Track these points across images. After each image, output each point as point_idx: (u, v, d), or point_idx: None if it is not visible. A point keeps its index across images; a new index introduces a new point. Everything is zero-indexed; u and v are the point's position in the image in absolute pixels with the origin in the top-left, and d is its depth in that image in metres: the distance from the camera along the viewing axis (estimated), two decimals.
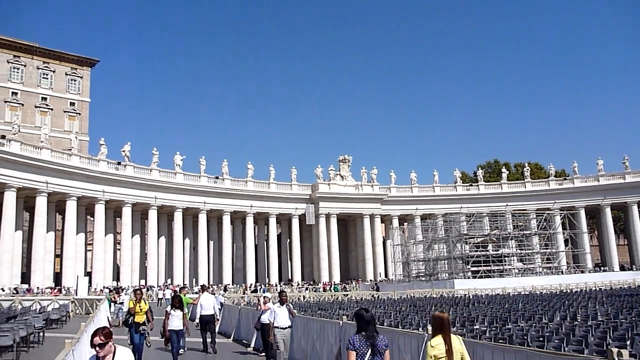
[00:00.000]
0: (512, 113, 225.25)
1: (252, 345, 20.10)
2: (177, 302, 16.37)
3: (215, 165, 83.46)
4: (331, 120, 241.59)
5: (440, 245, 69.82)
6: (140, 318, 15.86)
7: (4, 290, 51.57)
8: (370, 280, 75.63)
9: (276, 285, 70.11)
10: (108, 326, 6.19)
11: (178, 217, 72.58)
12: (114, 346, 6.32)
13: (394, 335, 11.30)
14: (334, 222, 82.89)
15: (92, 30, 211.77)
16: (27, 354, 18.74)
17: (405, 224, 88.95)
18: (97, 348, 6.12)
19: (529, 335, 14.57)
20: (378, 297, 44.00)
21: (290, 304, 16.22)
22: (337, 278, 79.25)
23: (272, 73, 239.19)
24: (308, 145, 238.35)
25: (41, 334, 22.00)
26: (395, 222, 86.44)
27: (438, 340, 7.23)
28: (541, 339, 14.30)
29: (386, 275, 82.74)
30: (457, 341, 7.37)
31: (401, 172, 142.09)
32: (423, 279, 66.41)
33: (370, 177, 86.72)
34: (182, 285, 62.00)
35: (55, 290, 55.21)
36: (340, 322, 13.46)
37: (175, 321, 16.01)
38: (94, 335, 6.23)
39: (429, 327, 10.18)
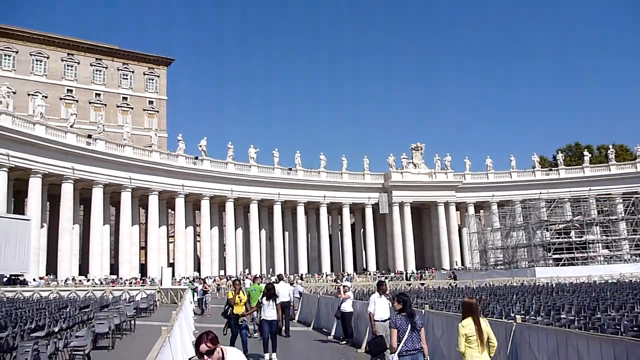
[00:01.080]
0: (593, 93, 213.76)
1: (333, 333, 20.28)
2: (269, 291, 15.41)
3: (288, 157, 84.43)
4: (402, 108, 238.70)
5: (519, 233, 67.44)
6: (239, 309, 15.66)
7: (89, 281, 54.80)
8: (446, 269, 74.45)
9: (348, 275, 70.27)
10: (213, 333, 5.22)
11: (254, 208, 74.31)
12: (222, 349, 5.50)
13: None
14: (407, 210, 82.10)
15: (167, 29, 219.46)
16: (120, 340, 19.76)
17: (482, 211, 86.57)
18: (205, 356, 5.23)
19: (622, 325, 13.83)
20: (456, 285, 43.20)
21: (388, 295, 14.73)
22: (412, 267, 78.58)
23: (342, 64, 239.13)
24: (379, 134, 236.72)
25: (132, 321, 23.15)
26: (471, 210, 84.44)
27: (468, 322, 8.30)
28: (636, 328, 13.54)
29: (462, 264, 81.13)
30: (484, 323, 8.41)
31: (476, 159, 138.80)
32: (502, 267, 64.60)
33: (444, 164, 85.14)
34: (256, 275, 63.73)
35: (139, 281, 57.99)
36: (423, 311, 13.38)
37: (268, 311, 15.23)
38: (198, 342, 5.34)
39: (518, 317, 9.91)
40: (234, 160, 73.92)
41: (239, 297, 15.77)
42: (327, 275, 72.83)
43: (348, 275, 66.91)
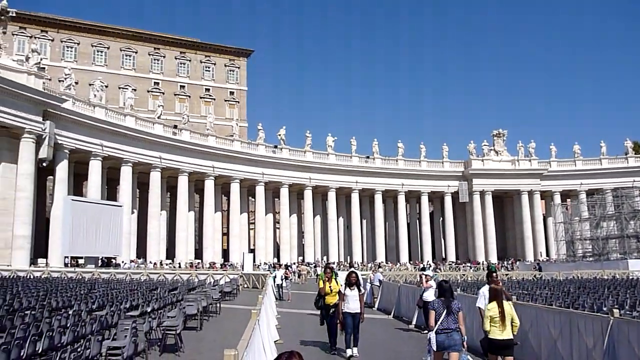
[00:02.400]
0: None
1: (414, 322, 20.14)
2: (353, 278, 13.96)
3: (366, 145, 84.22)
4: (482, 93, 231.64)
5: (610, 223, 63.85)
6: (332, 299, 14.46)
7: (164, 265, 57.33)
8: (530, 261, 71.86)
9: (427, 263, 69.29)
10: (297, 352, 3.93)
11: (331, 196, 74.85)
12: None
13: (572, 317, 10.63)
14: (489, 199, 79.77)
15: (246, 21, 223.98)
16: (208, 322, 20.58)
17: (568, 200, 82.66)
18: None
19: None
20: (541, 277, 41.64)
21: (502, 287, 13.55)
22: (493, 257, 76.42)
23: (422, 49, 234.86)
24: (459, 121, 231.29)
25: (218, 304, 24.06)
26: (557, 199, 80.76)
27: (493, 305, 9.91)
28: None
29: (547, 255, 77.97)
30: (508, 306, 9.93)
31: (562, 145, 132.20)
32: (591, 259, 61.48)
33: (527, 152, 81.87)
34: (327, 262, 64.33)
35: (216, 265, 59.94)
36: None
37: (352, 302, 13.76)
38: None
39: (615, 311, 9.44)
40: (312, 149, 74.66)
41: (330, 286, 14.56)
42: (407, 264, 72.37)
43: (431, 264, 66.11)
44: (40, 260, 47.12)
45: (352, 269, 19.71)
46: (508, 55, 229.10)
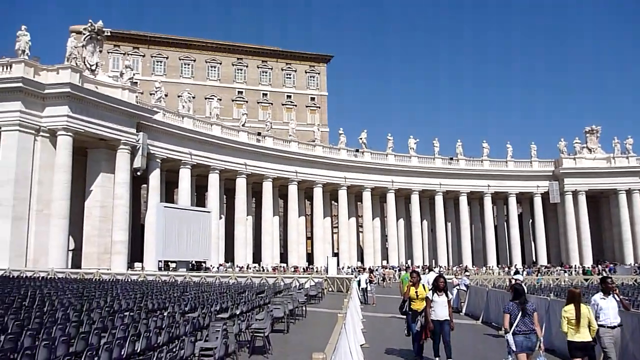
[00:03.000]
0: None
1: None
2: (441, 283, 13.23)
3: (449, 147, 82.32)
4: (570, 89, 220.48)
5: None
6: (418, 305, 13.63)
7: (258, 270, 58.60)
8: (631, 264, 67.50)
9: (515, 267, 66.74)
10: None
11: (414, 199, 73.91)
12: None
13: None
14: (582, 199, 75.63)
15: (326, 28, 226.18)
16: (294, 325, 20.88)
17: None
18: None
19: None
20: None
21: (618, 294, 12.23)
22: (588, 261, 72.38)
23: (509, 46, 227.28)
24: (546, 119, 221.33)
25: (304, 308, 24.35)
26: None
27: (570, 307, 10.20)
28: None
29: None
30: (585, 309, 10.13)
31: None
32: None
33: (624, 148, 76.91)
34: (407, 266, 63.41)
35: (298, 269, 60.49)
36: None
37: (440, 309, 12.94)
38: None
39: None
40: (394, 152, 74.13)
41: (416, 291, 13.77)
42: (495, 268, 70.14)
43: (525, 267, 63.74)
44: (137, 264, 49.77)
45: (440, 274, 19.08)
46: (600, 49, 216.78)
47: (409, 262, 70.59)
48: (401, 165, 73.53)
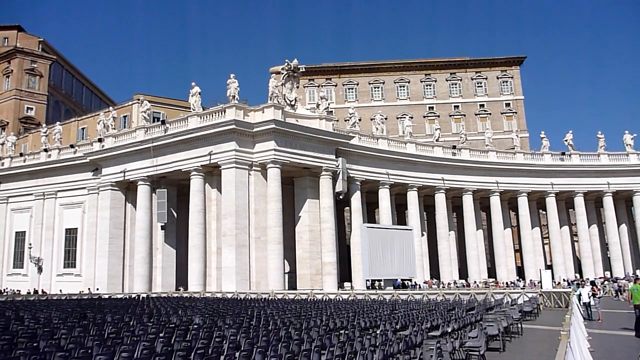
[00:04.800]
0: None
1: None
2: None
3: None
4: None
5: None
6: None
7: (465, 285, 56.66)
8: None
9: None
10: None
11: (638, 201, 65.73)
12: None
13: None
14: None
15: (512, 29, 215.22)
16: (510, 343, 19.82)
17: None
18: None
19: None
20: None
21: None
22: None
23: None
24: None
25: (519, 325, 23.01)
26: None
27: None
28: None
29: None
30: None
31: None
32: None
33: None
34: (636, 277, 55.72)
35: (500, 285, 56.89)
36: None
37: None
38: None
39: None
40: (607, 151, 67.00)
41: None
42: None
43: None
44: (346, 284, 51.87)
45: None
46: None
47: (638, 272, 62.62)
48: (617, 165, 66.07)
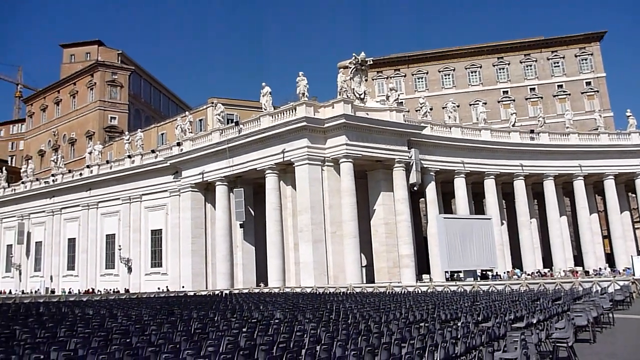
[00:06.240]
0: None
1: None
2: None
3: None
4: None
5: None
6: None
7: (550, 274, 54.39)
8: None
9: None
10: None
11: None
12: None
13: None
14: None
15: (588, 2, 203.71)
16: (600, 334, 18.94)
17: None
18: None
19: None
20: None
21: None
22: None
23: None
24: None
25: (610, 314, 21.92)
26: None
27: None
28: None
29: None
30: None
31: None
32: None
33: None
34: None
35: (576, 272, 54.05)
36: None
37: None
38: None
39: None
40: None
41: None
42: None
43: None
44: (424, 276, 51.23)
45: None
46: None
47: None
48: None
